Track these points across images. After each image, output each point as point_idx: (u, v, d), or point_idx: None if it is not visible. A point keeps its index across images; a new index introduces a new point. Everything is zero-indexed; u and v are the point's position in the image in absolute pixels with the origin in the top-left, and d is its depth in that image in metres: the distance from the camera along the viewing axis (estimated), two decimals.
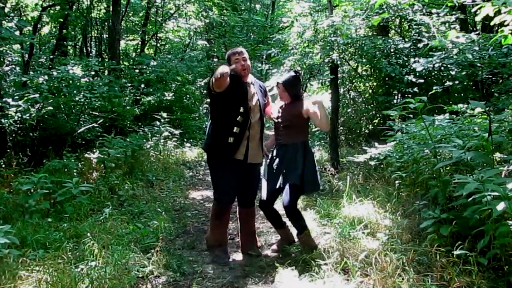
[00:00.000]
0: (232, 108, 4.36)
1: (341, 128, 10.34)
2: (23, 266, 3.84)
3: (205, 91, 15.67)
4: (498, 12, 3.77)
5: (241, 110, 4.35)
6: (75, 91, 9.10)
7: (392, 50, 9.09)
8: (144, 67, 13.72)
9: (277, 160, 4.66)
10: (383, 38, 9.13)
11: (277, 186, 4.58)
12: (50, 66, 10.76)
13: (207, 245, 4.79)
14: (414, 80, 8.13)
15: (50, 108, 8.82)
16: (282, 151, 4.64)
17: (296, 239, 4.76)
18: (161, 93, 13.48)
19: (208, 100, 5.14)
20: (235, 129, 4.34)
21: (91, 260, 3.98)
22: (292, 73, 4.73)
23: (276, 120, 4.71)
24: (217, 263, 4.50)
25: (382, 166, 6.69)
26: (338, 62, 8.53)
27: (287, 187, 4.49)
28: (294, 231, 4.78)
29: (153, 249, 4.56)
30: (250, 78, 4.57)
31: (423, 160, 5.30)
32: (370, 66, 9.64)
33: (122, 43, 15.30)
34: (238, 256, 4.77)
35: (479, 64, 7.53)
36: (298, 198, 4.76)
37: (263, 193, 4.64)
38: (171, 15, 16.61)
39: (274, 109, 4.79)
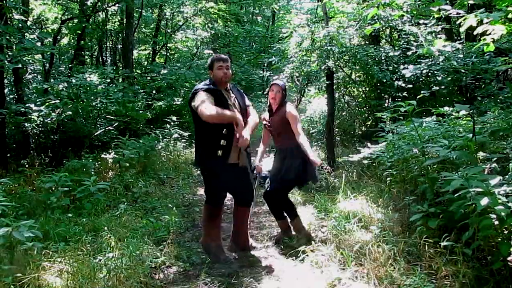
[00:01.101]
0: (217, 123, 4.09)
1: (337, 129, 10.32)
2: (46, 257, 3.86)
3: None
4: (480, 22, 3.77)
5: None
6: (92, 97, 9.14)
7: (383, 57, 9.09)
8: (155, 74, 13.76)
9: (278, 160, 4.71)
10: (375, 47, 9.13)
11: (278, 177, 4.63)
12: (69, 74, 10.79)
13: (203, 248, 4.48)
14: (403, 85, 8.12)
15: (69, 112, 8.85)
16: (283, 153, 4.69)
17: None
18: (171, 98, 13.50)
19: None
20: (222, 142, 4.10)
21: (108, 252, 4.01)
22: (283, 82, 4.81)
23: (269, 128, 4.77)
24: (218, 262, 4.26)
25: (374, 164, 6.68)
26: (334, 69, 8.53)
27: (285, 180, 4.60)
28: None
29: (164, 241, 4.59)
30: (228, 85, 4.37)
31: (412, 159, 5.30)
32: (363, 73, 9.62)
33: (135, 52, 15.33)
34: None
35: (463, 70, 7.53)
36: (289, 190, 4.87)
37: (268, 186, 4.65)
38: (180, 27, 16.64)
39: (264, 119, 4.82)
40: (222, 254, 4.38)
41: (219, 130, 4.08)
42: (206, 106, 3.88)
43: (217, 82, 4.23)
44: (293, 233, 4.83)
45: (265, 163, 4.89)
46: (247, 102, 4.48)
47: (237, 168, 4.25)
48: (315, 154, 4.47)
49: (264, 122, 4.80)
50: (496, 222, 3.26)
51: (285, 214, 4.85)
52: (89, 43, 14.69)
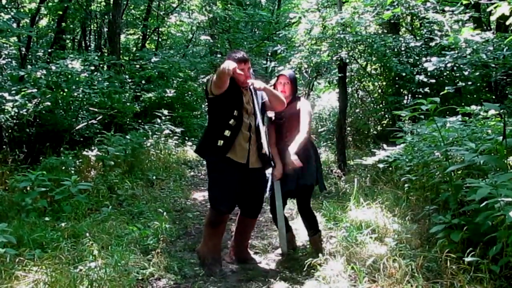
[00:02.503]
0: (226, 110, 4.26)
1: (349, 128, 10.36)
2: (20, 266, 3.86)
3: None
4: None
5: (235, 113, 4.26)
6: (73, 86, 9.13)
7: (403, 48, 9.09)
8: (145, 62, 13.74)
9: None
10: (394, 36, 9.12)
11: (290, 188, 4.60)
12: (48, 60, 10.79)
13: (198, 257, 4.54)
14: (425, 80, 8.12)
15: (48, 103, 8.84)
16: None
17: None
18: (162, 89, 13.51)
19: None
20: (226, 132, 4.22)
21: (90, 261, 4.01)
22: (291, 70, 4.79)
23: (278, 122, 4.71)
24: (213, 276, 4.27)
25: (390, 169, 6.69)
26: (347, 60, 8.54)
27: (302, 187, 4.54)
28: (304, 232, 4.80)
29: (153, 250, 4.59)
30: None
31: (434, 163, 5.30)
32: (379, 65, 9.63)
33: (123, 37, 15.32)
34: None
35: (493, 65, 7.53)
36: (309, 198, 4.78)
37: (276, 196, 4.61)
38: (174, 9, 16.63)
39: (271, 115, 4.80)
40: (217, 267, 4.38)
41: (226, 119, 4.25)
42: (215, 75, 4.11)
43: (238, 83, 4.34)
44: (297, 244, 4.85)
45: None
46: (264, 97, 4.53)
47: (244, 169, 4.30)
48: (294, 156, 4.38)
49: (272, 116, 4.75)
50: None
51: (290, 225, 4.88)
52: (71, 26, 14.65)
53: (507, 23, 3.98)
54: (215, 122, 4.38)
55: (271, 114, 4.76)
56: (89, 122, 10.29)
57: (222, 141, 4.23)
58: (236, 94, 4.30)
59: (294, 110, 4.62)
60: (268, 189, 4.71)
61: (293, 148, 4.42)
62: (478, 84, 8.50)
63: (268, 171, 4.67)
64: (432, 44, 8.57)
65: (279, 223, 4.59)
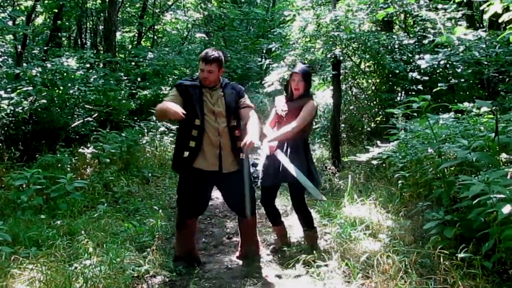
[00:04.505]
0: (188, 121, 4.13)
1: (343, 125, 10.35)
2: (15, 264, 3.84)
3: None
4: (506, 9, 3.77)
5: (196, 122, 4.17)
6: (69, 84, 9.07)
7: (396, 46, 9.08)
8: (141, 60, 13.68)
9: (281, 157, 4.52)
10: (387, 34, 9.11)
11: (278, 182, 4.59)
12: (44, 58, 10.74)
13: (174, 254, 4.59)
14: (418, 77, 8.11)
15: (44, 101, 8.80)
16: (282, 145, 4.56)
17: (292, 240, 4.76)
18: (157, 87, 13.47)
19: None
20: (191, 143, 4.17)
21: (85, 259, 3.99)
22: (306, 65, 4.70)
23: (281, 114, 4.65)
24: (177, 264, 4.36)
25: (384, 165, 6.70)
26: (341, 58, 8.53)
27: (295, 183, 4.47)
28: (300, 228, 4.78)
29: (149, 247, 4.58)
30: (221, 82, 4.37)
31: (427, 160, 5.31)
32: (373, 62, 9.61)
33: (118, 35, 15.26)
34: (235, 256, 4.77)
35: (485, 62, 7.52)
36: (303, 194, 4.74)
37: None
38: (169, 7, 16.56)
39: (279, 104, 4.72)
40: (187, 263, 4.43)
41: (188, 130, 4.19)
42: (160, 104, 4.12)
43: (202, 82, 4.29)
44: (292, 241, 4.84)
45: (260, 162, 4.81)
46: (244, 102, 4.38)
47: (218, 175, 4.25)
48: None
49: (278, 107, 4.71)
50: None
51: (282, 219, 4.87)
52: (67, 23, 14.59)
53: (500, 20, 3.97)
54: (180, 134, 4.38)
55: (279, 101, 4.75)
56: (85, 119, 10.23)
57: (187, 152, 4.18)
58: (196, 102, 4.18)
59: (299, 105, 4.55)
60: (260, 180, 4.70)
61: (272, 135, 4.44)
62: (471, 81, 8.50)
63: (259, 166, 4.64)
64: (425, 41, 8.57)
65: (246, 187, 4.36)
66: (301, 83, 4.57)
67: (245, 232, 4.64)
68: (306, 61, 8.47)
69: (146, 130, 10.42)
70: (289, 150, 4.54)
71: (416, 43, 8.91)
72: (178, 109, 3.93)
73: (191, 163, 4.17)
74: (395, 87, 9.38)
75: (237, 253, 4.75)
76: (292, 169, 4.38)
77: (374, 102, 10.13)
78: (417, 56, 8.15)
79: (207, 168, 4.20)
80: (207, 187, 4.39)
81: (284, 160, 4.44)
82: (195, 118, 4.16)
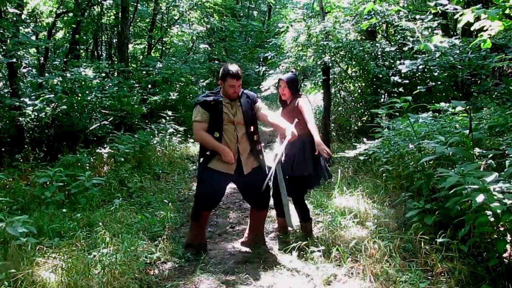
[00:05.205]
0: (209, 132, 4.18)
1: (333, 125, 10.30)
2: (40, 253, 3.82)
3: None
4: (477, 19, 3.75)
5: (215, 135, 4.15)
6: (87, 91, 9.06)
7: (379, 53, 9.07)
8: (151, 69, 13.67)
9: (285, 151, 4.46)
10: (371, 42, 9.10)
11: (287, 176, 4.52)
12: (64, 68, 10.72)
13: (185, 241, 4.57)
14: (399, 80, 8.11)
15: (64, 107, 8.80)
16: (289, 143, 4.39)
17: (293, 227, 4.71)
18: (166, 93, 13.43)
19: None
20: (208, 152, 4.19)
21: (103, 248, 3.97)
22: (292, 72, 4.71)
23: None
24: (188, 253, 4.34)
25: (370, 160, 6.67)
26: (330, 64, 8.50)
27: (291, 178, 4.45)
28: (296, 218, 4.72)
29: (160, 237, 4.57)
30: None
31: (408, 155, 5.30)
32: (359, 68, 9.59)
33: (130, 46, 15.21)
34: (238, 243, 4.76)
35: (459, 66, 7.52)
36: (305, 188, 4.70)
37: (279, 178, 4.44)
38: (176, 21, 16.51)
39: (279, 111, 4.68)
40: (198, 250, 4.40)
41: (211, 134, 4.18)
42: (197, 128, 4.18)
43: (225, 95, 4.24)
44: (290, 229, 4.81)
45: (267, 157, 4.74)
46: (258, 107, 4.36)
47: (237, 175, 4.23)
48: (321, 143, 4.27)
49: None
50: (492, 219, 3.26)
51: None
52: (84, 37, 14.57)
53: (472, 29, 3.95)
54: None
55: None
56: (102, 123, 10.23)
57: (202, 158, 4.25)
58: (218, 117, 4.17)
59: (292, 107, 4.52)
60: (271, 178, 4.63)
61: (316, 135, 4.32)
62: (447, 84, 8.49)
63: (270, 163, 4.57)
64: (405, 48, 8.57)
65: (284, 201, 4.42)
66: (286, 88, 4.56)
67: (257, 222, 4.59)
68: (298, 68, 8.47)
69: (156, 132, 10.41)
70: (296, 146, 4.43)
71: (397, 50, 8.91)
72: (230, 157, 4.06)
73: (207, 165, 4.18)
74: (379, 90, 9.36)
75: (244, 239, 4.71)
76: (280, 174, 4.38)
77: (360, 104, 10.11)
78: (398, 62, 8.15)
79: (225, 171, 4.18)
80: (224, 186, 4.38)
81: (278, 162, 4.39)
82: (214, 131, 4.15)
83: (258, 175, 4.28)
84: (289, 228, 4.77)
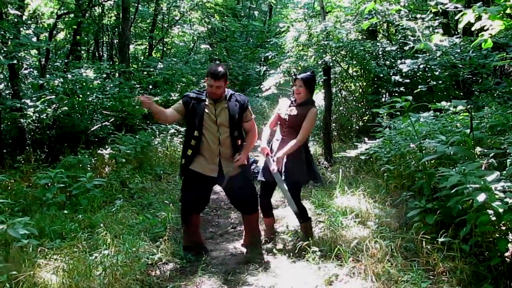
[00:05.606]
0: (188, 132, 4.19)
1: (334, 124, 10.30)
2: (42, 255, 3.83)
3: None
4: (478, 18, 3.74)
5: (195, 134, 4.09)
6: (88, 92, 9.06)
7: (380, 52, 9.06)
8: (152, 69, 13.66)
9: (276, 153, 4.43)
10: (372, 42, 9.09)
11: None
12: (65, 69, 10.73)
13: (183, 245, 4.52)
14: (400, 80, 8.10)
15: (65, 108, 8.79)
16: (283, 146, 4.41)
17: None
18: (167, 93, 13.42)
19: None
20: (189, 151, 4.14)
21: (104, 249, 3.97)
22: (310, 72, 4.52)
23: (284, 117, 4.49)
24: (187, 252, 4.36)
25: (371, 159, 6.67)
26: (331, 64, 8.49)
27: (292, 183, 4.41)
28: (295, 220, 4.71)
29: (161, 238, 4.56)
30: (226, 94, 4.21)
31: (410, 154, 5.29)
32: (360, 67, 9.59)
33: (131, 47, 15.22)
34: (239, 244, 4.76)
35: (460, 65, 7.52)
36: (299, 190, 4.65)
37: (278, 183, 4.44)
38: (176, 22, 16.51)
39: (283, 107, 4.55)
40: (194, 251, 4.40)
41: (189, 140, 4.18)
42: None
43: (209, 95, 4.17)
44: (289, 229, 4.80)
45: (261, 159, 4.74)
46: (246, 116, 4.28)
47: (217, 179, 4.20)
48: (280, 158, 4.30)
49: (281, 109, 4.55)
50: (494, 218, 3.26)
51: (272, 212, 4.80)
52: (85, 38, 14.57)
53: (473, 28, 3.94)
54: (184, 142, 4.35)
55: (283, 103, 4.59)
56: (103, 124, 10.23)
57: (184, 160, 4.18)
58: (197, 115, 4.11)
59: (301, 112, 4.40)
60: (259, 175, 4.62)
61: (282, 151, 4.31)
62: (448, 83, 8.48)
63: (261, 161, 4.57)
64: (406, 48, 8.56)
65: (282, 188, 4.40)
66: (302, 88, 4.41)
67: (249, 225, 4.59)
68: (299, 68, 8.46)
69: (157, 133, 10.39)
70: (290, 155, 4.38)
71: (398, 50, 8.89)
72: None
73: (188, 167, 4.15)
74: (380, 89, 9.35)
75: (242, 241, 4.72)
76: (279, 180, 4.37)
77: (362, 103, 10.10)
78: (399, 61, 8.14)
79: (206, 173, 4.14)
80: (207, 188, 4.35)
81: (272, 165, 4.37)
82: (194, 130, 4.12)
83: (241, 180, 4.25)
84: (287, 225, 4.76)
